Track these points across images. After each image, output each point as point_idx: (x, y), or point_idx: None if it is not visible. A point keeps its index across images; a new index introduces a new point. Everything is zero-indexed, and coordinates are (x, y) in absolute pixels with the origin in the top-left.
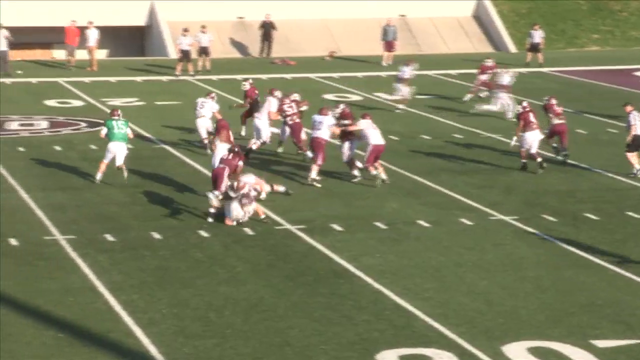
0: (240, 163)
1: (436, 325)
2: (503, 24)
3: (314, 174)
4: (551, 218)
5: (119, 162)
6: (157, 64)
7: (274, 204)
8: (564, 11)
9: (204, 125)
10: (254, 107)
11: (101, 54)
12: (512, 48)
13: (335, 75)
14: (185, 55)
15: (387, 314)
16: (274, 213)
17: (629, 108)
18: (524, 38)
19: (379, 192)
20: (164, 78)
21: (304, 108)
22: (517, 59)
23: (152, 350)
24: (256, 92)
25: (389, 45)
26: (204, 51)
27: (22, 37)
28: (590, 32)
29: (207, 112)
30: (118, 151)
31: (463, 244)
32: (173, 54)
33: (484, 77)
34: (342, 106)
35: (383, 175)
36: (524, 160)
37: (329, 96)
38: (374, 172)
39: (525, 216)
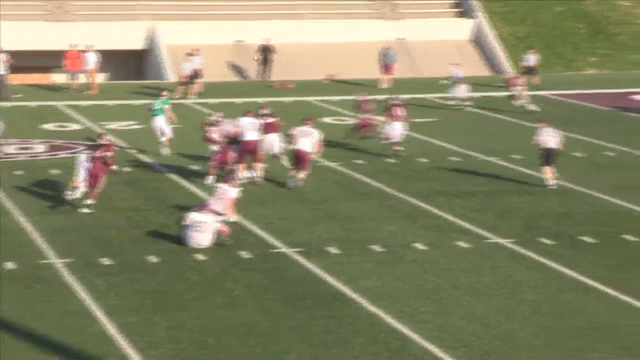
0: (108, 154)
1: (432, 348)
2: (501, 47)
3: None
4: (548, 241)
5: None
6: (156, 87)
7: (272, 228)
8: (562, 35)
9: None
10: None
11: (101, 78)
12: (510, 71)
13: (334, 98)
14: (190, 78)
15: (383, 336)
16: (271, 236)
17: (541, 124)
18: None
19: (376, 215)
20: None
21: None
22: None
23: None
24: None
25: (387, 68)
26: (196, 74)
27: (22, 61)
28: (589, 55)
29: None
30: (160, 124)
31: (460, 267)
32: (172, 77)
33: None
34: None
35: (255, 173)
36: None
37: (328, 119)
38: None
39: (522, 239)
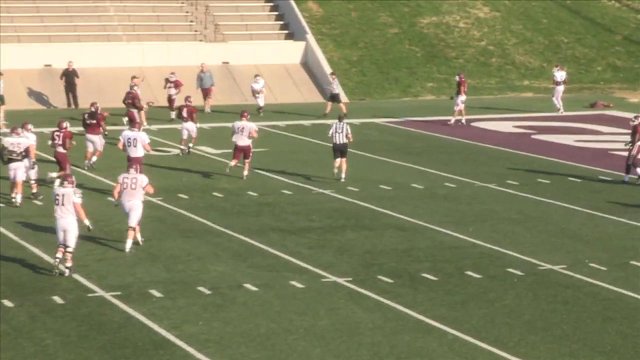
0: None
1: None
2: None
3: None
4: (387, 279)
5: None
6: None
7: (88, 270)
8: (397, 59)
9: None
10: None
11: None
12: (343, 97)
13: (152, 127)
14: None
15: None
16: (87, 279)
17: (340, 119)
18: (355, 87)
19: (203, 255)
20: None
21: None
22: (348, 108)
23: None
24: None
25: (206, 92)
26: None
27: None
28: (425, 80)
29: None
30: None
31: (294, 309)
32: None
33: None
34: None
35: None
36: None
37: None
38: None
39: (360, 278)
